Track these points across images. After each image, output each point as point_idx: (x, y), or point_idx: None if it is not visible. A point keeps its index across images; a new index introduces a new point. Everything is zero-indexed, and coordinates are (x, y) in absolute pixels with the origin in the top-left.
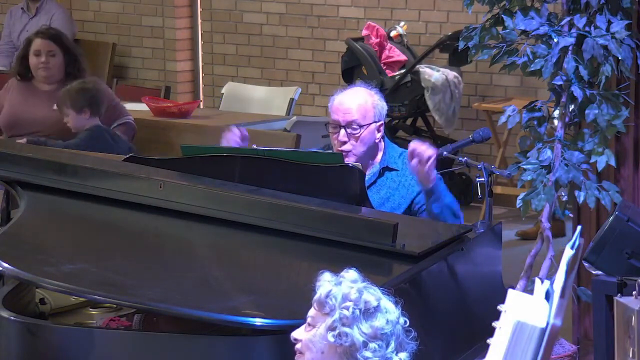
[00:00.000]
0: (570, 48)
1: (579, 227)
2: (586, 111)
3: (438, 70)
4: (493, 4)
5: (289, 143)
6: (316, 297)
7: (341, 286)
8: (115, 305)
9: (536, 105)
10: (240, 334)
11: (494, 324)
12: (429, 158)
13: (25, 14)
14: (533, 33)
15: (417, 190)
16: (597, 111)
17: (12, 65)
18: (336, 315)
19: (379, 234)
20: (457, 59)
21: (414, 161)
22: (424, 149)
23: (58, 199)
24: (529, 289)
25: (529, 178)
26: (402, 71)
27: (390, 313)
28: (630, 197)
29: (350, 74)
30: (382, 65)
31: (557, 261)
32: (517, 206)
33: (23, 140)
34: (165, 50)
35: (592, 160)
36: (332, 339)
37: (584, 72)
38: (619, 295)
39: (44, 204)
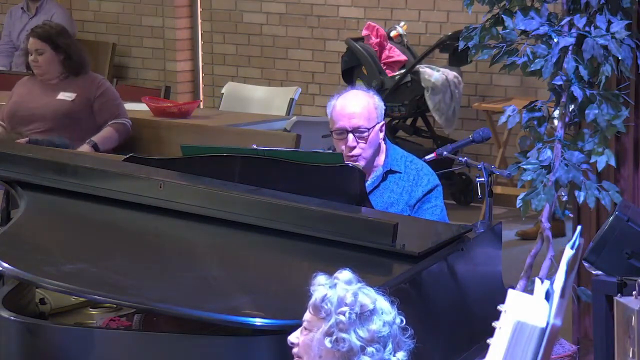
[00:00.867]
0: (570, 48)
1: (579, 227)
2: (586, 111)
3: (438, 70)
4: (493, 4)
5: (289, 143)
6: (311, 301)
7: (336, 289)
8: (115, 305)
9: (536, 105)
10: (240, 334)
11: (494, 324)
12: None
13: (25, 14)
14: (533, 33)
15: (419, 196)
16: (597, 111)
17: (12, 65)
18: (332, 321)
19: (379, 234)
20: (457, 59)
21: None
22: None
23: (58, 199)
24: (529, 289)
25: (529, 178)
26: (402, 71)
27: (386, 314)
28: (630, 197)
29: (350, 74)
30: (382, 65)
31: (557, 261)
32: (517, 206)
33: (23, 141)
34: (165, 50)
35: (592, 160)
36: (329, 345)
37: (584, 72)
38: (619, 295)
39: (44, 204)
